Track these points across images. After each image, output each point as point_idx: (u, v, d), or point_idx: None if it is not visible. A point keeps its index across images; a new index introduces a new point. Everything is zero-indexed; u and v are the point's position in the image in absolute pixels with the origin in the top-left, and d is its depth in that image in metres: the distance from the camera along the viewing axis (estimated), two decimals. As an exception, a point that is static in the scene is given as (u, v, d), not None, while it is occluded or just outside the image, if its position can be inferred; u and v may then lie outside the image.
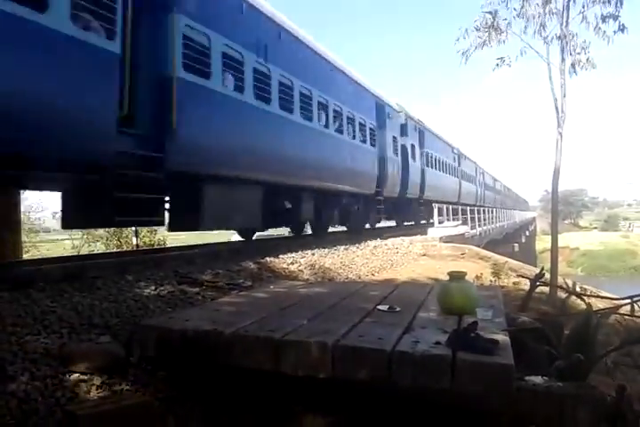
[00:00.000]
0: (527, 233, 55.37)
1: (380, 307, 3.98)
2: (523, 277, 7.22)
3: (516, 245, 35.93)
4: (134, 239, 13.87)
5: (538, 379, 2.83)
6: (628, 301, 4.16)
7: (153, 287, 4.95)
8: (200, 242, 10.25)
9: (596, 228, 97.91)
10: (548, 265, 9.33)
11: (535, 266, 14.80)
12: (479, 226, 22.22)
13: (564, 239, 58.93)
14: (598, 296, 5.65)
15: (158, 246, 13.62)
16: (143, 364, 3.38)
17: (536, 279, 5.06)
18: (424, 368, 2.74)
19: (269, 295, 4.75)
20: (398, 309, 3.91)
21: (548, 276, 8.37)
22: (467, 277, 3.94)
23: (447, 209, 18.50)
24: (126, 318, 3.99)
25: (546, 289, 7.75)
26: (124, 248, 13.93)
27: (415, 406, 2.82)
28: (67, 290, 4.60)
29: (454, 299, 3.73)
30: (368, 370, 2.84)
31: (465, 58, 9.64)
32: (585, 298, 4.74)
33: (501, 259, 12.03)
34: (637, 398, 3.10)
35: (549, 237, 10.38)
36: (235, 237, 12.51)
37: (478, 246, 15.43)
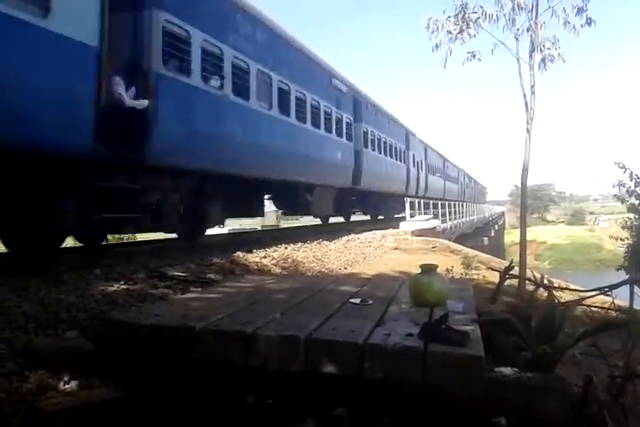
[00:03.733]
0: (496, 227, 56.24)
1: (352, 300, 3.98)
2: (492, 269, 7.32)
3: (486, 238, 36.48)
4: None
5: (508, 370, 2.87)
6: (595, 293, 4.25)
7: (122, 282, 4.86)
8: (170, 236, 10.07)
9: (562, 222, 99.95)
10: (516, 258, 9.50)
11: (504, 259, 15.05)
12: (450, 220, 22.49)
13: (532, 233, 60.05)
14: (566, 289, 5.78)
15: (128, 241, 13.39)
16: (112, 359, 3.31)
17: (505, 272, 5.14)
18: (396, 360, 2.75)
19: (240, 290, 4.71)
20: (371, 302, 3.92)
21: (516, 269, 8.52)
22: (437, 270, 3.99)
23: (418, 203, 18.65)
24: (94, 313, 3.91)
25: (514, 282, 7.88)
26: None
27: (387, 399, 2.83)
28: (32, 284, 4.49)
29: (425, 291, 3.77)
30: (340, 363, 2.84)
31: (444, 64, 9.64)
32: (552, 290, 4.84)
33: (471, 252, 12.20)
34: (603, 387, 3.17)
35: (518, 230, 10.58)
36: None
37: (449, 240, 15.62)
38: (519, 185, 10.67)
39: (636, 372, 3.29)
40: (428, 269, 3.89)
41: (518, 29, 9.43)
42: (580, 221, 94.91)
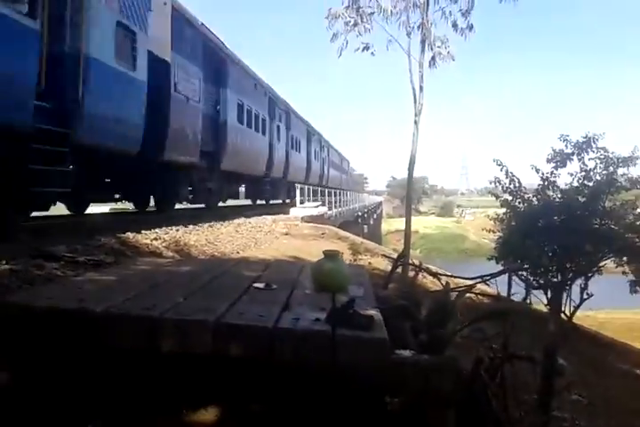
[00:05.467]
0: (374, 216, 58.67)
1: (256, 285, 4.00)
2: (386, 257, 7.68)
3: (366, 226, 37.96)
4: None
5: (406, 352, 3.05)
6: (478, 280, 4.65)
7: (4, 261, 4.48)
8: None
9: (433, 213, 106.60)
10: (391, 246, 10.05)
11: (381, 246, 15.83)
12: (335, 208, 23.12)
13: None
14: (452, 276, 6.25)
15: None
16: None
17: (398, 259, 5.46)
18: (306, 344, 2.83)
19: (136, 273, 4.53)
20: (274, 286, 3.96)
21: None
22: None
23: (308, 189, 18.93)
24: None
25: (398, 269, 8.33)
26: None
27: (295, 384, 2.90)
28: None
29: (329, 277, 3.88)
30: (250, 347, 2.87)
31: (339, 52, 9.94)
32: (438, 277, 5.21)
33: (358, 239, 12.68)
34: (484, 369, 3.50)
35: (394, 220, 11.19)
36: (90, 209, 11.55)
37: (335, 226, 16.06)
38: (396, 177, 11.32)
39: (512, 354, 3.66)
40: (332, 256, 4.01)
41: (411, 26, 9.93)
42: (449, 213, 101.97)
